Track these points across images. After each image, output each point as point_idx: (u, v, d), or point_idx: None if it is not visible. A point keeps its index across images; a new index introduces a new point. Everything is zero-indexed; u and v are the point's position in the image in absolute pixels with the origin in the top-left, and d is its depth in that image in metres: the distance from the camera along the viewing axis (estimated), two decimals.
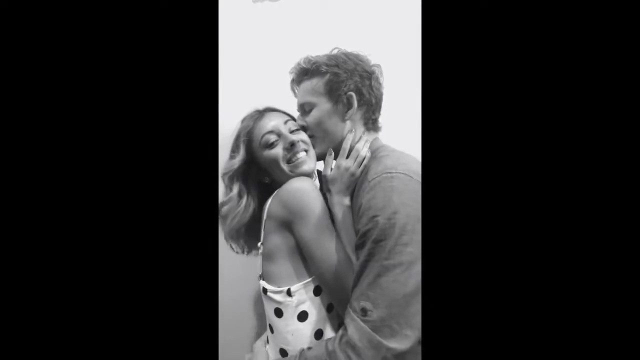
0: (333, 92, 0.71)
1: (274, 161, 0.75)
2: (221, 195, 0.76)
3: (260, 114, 0.79)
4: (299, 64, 0.76)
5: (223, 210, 0.75)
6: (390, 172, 0.62)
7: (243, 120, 0.79)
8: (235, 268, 0.89)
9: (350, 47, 0.76)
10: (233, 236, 0.78)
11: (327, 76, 0.71)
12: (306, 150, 0.76)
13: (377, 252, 0.57)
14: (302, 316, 0.68)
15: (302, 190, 0.69)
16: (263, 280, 0.73)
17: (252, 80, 0.99)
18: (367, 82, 0.73)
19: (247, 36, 1.00)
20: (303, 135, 0.76)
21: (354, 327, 0.56)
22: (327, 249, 0.66)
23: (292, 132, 0.76)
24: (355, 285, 0.59)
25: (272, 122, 0.76)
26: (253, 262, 0.82)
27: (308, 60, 0.74)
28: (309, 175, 0.76)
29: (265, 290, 0.71)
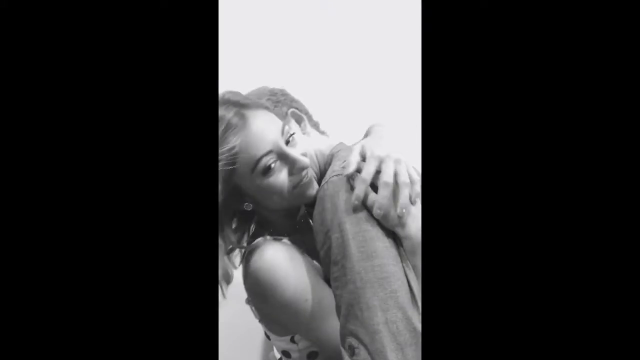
0: None
1: (277, 193, 0.54)
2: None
3: (241, 119, 0.53)
4: None
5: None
6: (333, 175, 0.53)
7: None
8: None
9: (350, 47, 0.75)
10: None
11: None
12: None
13: (340, 276, 0.48)
14: (312, 355, 0.63)
15: (269, 270, 0.56)
16: (265, 329, 0.67)
17: (252, 79, 0.99)
18: None
19: (247, 35, 1.00)
20: (301, 147, 0.57)
21: None
22: (313, 325, 0.57)
23: (288, 142, 0.55)
24: (339, 317, 0.50)
25: (268, 136, 0.53)
26: None
27: None
28: (313, 196, 0.58)
29: (268, 337, 0.66)
